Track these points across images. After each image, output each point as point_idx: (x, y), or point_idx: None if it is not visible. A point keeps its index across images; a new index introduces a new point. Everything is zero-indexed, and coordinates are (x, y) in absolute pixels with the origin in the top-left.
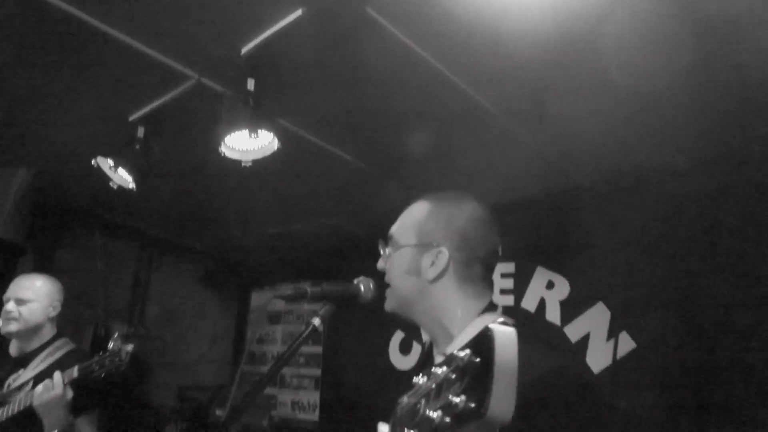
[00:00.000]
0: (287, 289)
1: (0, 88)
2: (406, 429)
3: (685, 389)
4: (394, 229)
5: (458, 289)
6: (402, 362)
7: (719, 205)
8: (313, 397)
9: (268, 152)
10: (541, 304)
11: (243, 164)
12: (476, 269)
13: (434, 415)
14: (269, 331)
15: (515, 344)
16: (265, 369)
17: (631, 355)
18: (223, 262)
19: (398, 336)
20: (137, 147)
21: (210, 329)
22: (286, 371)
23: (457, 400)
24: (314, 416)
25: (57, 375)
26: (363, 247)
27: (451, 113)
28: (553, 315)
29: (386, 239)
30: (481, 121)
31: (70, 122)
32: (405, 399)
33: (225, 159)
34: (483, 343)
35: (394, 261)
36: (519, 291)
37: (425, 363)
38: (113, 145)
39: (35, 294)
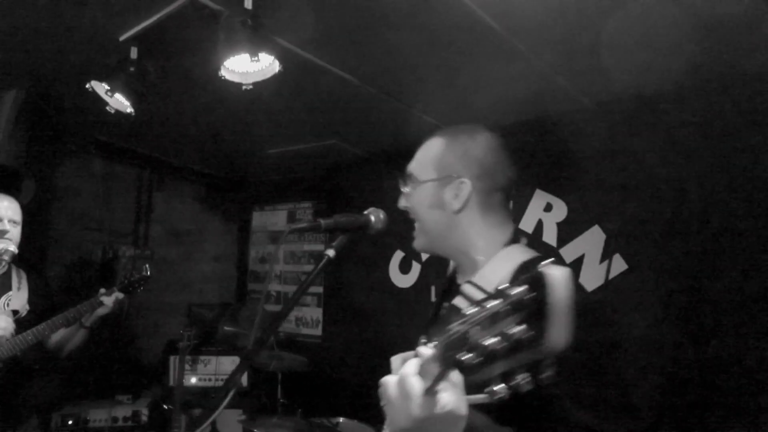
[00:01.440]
0: (302, 222)
1: None
2: (457, 354)
3: (674, 310)
4: (412, 167)
5: (481, 218)
6: (402, 280)
7: (718, 130)
8: (316, 313)
9: (268, 74)
10: (539, 225)
11: (243, 87)
12: (496, 197)
13: (489, 342)
14: (271, 251)
15: (569, 283)
16: (268, 287)
17: (623, 276)
18: (224, 183)
19: (398, 255)
20: (131, 69)
21: (213, 249)
22: (289, 289)
23: (514, 330)
24: (317, 331)
25: (118, 294)
26: (360, 165)
27: (454, 30)
28: (549, 237)
29: (404, 177)
30: (484, 39)
31: (58, 42)
32: (454, 327)
33: (224, 81)
34: (538, 283)
35: (416, 197)
36: (517, 213)
37: (449, 288)
38: (105, 66)
39: (20, 217)
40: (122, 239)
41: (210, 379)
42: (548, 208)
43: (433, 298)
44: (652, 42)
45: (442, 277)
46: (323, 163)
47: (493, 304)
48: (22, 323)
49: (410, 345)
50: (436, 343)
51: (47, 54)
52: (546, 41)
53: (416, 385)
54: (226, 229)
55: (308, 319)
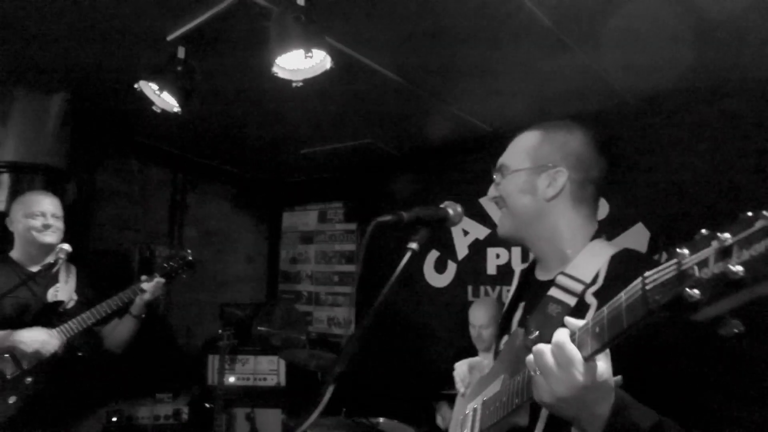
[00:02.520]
0: (386, 215)
1: (32, 11)
2: (677, 290)
3: None
4: (505, 158)
5: (573, 210)
6: (437, 280)
7: (763, 125)
8: (348, 313)
9: (319, 71)
10: None
11: (293, 84)
12: (589, 190)
13: (736, 269)
14: (302, 251)
15: None
16: (299, 287)
17: None
18: (254, 184)
19: (433, 255)
20: (179, 68)
21: (245, 249)
22: (321, 289)
23: None
24: (350, 331)
25: (159, 279)
26: (393, 164)
27: (503, 24)
28: None
29: (496, 169)
30: (532, 32)
31: (106, 44)
32: (652, 273)
33: (265, 80)
34: None
35: (507, 184)
36: None
37: (526, 282)
38: (152, 66)
39: (61, 212)
40: (158, 239)
41: (248, 379)
42: None
43: (470, 298)
44: (697, 37)
45: (480, 275)
46: (354, 162)
47: (724, 237)
48: (68, 313)
49: (446, 345)
50: (610, 304)
51: (95, 56)
52: (594, 35)
53: (576, 352)
54: (257, 230)
55: (340, 319)
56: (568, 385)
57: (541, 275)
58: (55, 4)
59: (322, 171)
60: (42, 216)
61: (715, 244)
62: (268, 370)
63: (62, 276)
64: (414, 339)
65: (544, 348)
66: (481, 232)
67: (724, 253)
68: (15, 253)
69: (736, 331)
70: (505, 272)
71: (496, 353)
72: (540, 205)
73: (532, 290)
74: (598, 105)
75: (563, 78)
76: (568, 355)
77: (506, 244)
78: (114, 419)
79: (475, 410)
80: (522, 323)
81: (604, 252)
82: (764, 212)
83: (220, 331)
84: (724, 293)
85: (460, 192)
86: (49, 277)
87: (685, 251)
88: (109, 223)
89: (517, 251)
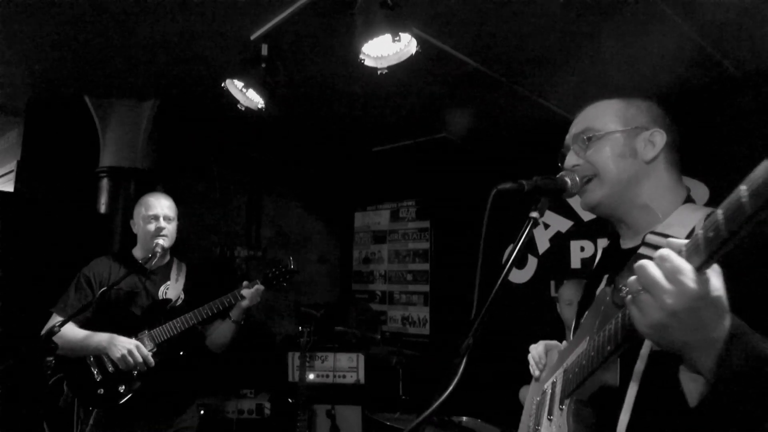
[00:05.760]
0: (506, 182)
1: (124, 22)
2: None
3: None
4: (590, 123)
5: (667, 172)
6: (517, 276)
7: None
8: (423, 312)
9: (404, 57)
10: None
11: (379, 72)
12: (677, 155)
13: None
14: (375, 251)
15: None
16: (372, 287)
17: None
18: (326, 184)
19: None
20: (263, 65)
21: (318, 250)
22: (395, 288)
23: None
24: (425, 330)
25: (259, 286)
26: (465, 160)
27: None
28: None
29: (578, 135)
30: (630, 3)
31: (190, 47)
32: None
33: (342, 76)
34: None
35: (600, 149)
36: None
37: (608, 255)
38: (237, 65)
39: (174, 213)
40: (237, 240)
41: (328, 376)
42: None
43: (553, 294)
44: None
45: (564, 269)
46: (427, 159)
47: None
48: (174, 312)
49: (528, 343)
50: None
51: (181, 61)
52: (699, 8)
53: (684, 261)
54: (330, 231)
55: (415, 318)
56: (679, 295)
57: (627, 244)
58: (144, 15)
59: (394, 169)
60: (155, 220)
61: None
62: (347, 367)
63: (173, 274)
64: (494, 338)
65: (647, 262)
66: (563, 224)
67: None
68: (136, 251)
69: None
70: (590, 265)
71: (576, 329)
72: (639, 167)
73: (617, 260)
74: (698, 78)
75: (661, 51)
76: (675, 265)
77: (592, 236)
78: (202, 412)
79: (553, 383)
80: (609, 283)
81: (699, 212)
82: None
83: (300, 328)
84: None
85: None
86: (161, 274)
87: None
88: (191, 224)
89: (603, 243)
